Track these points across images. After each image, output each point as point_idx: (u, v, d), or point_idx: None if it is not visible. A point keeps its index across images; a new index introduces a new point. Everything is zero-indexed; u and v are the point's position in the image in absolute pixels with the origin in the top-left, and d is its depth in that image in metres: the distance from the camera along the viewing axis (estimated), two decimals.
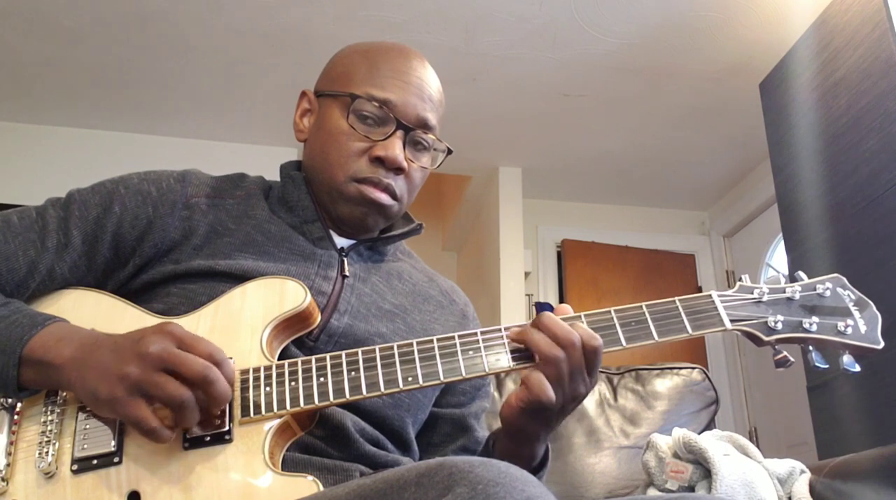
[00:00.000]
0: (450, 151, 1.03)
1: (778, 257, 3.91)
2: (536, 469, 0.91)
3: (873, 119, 2.17)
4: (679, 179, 4.17)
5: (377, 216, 0.99)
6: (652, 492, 1.37)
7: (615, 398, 1.68)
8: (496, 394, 1.62)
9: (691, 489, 1.30)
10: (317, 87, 1.06)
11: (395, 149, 0.95)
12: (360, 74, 0.99)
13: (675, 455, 1.35)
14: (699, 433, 1.44)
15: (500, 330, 0.83)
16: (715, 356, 4.17)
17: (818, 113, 2.45)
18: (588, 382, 0.81)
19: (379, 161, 0.96)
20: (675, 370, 1.70)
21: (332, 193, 0.98)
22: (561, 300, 4.18)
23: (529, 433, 0.85)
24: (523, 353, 0.81)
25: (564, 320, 0.82)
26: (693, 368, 1.71)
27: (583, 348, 0.79)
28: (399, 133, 0.96)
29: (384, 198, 0.97)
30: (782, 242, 2.66)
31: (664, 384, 1.68)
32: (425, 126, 0.99)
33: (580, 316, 0.84)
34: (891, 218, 2.07)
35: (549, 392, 0.77)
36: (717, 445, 1.34)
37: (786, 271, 2.86)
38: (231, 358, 0.81)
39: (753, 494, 1.24)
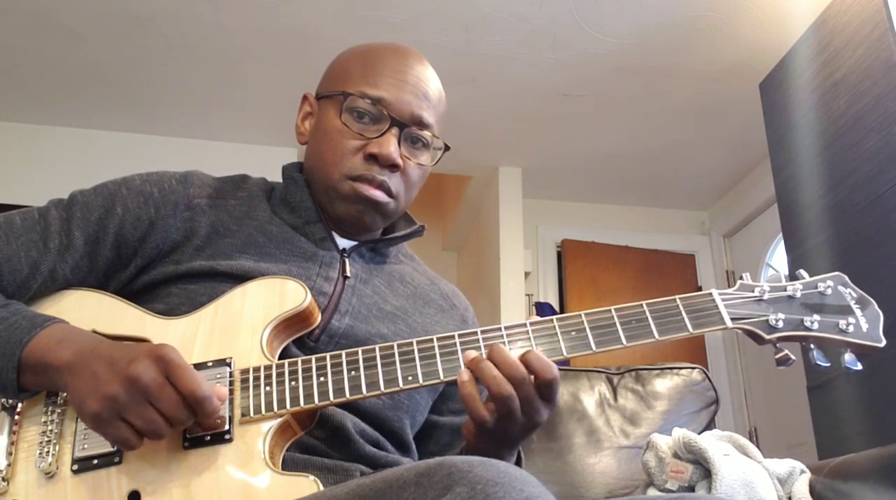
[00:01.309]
0: (447, 148, 1.02)
1: (778, 257, 3.91)
2: None
3: (873, 119, 2.17)
4: (679, 179, 4.17)
5: (374, 214, 0.98)
6: (652, 492, 1.36)
7: (615, 398, 1.67)
8: None
9: (691, 489, 1.30)
10: (317, 90, 1.06)
11: (390, 146, 0.95)
12: (356, 74, 0.99)
13: (675, 455, 1.35)
14: (699, 433, 1.44)
15: (500, 330, 0.83)
16: (715, 356, 4.16)
17: (818, 113, 2.45)
18: (547, 409, 0.80)
19: (373, 158, 0.95)
20: (675, 370, 1.70)
21: (329, 192, 0.98)
22: (561, 300, 4.18)
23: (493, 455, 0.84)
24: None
25: (562, 319, 0.82)
26: (693, 368, 1.71)
27: (538, 380, 0.78)
28: (394, 130, 0.96)
29: (379, 195, 0.96)
30: (782, 242, 2.66)
31: (664, 384, 1.68)
32: (420, 123, 0.98)
33: (581, 315, 0.83)
34: (891, 218, 2.07)
35: (482, 412, 0.77)
36: (717, 445, 1.34)
37: (786, 271, 2.86)
38: (231, 358, 0.81)
39: (753, 494, 1.24)
